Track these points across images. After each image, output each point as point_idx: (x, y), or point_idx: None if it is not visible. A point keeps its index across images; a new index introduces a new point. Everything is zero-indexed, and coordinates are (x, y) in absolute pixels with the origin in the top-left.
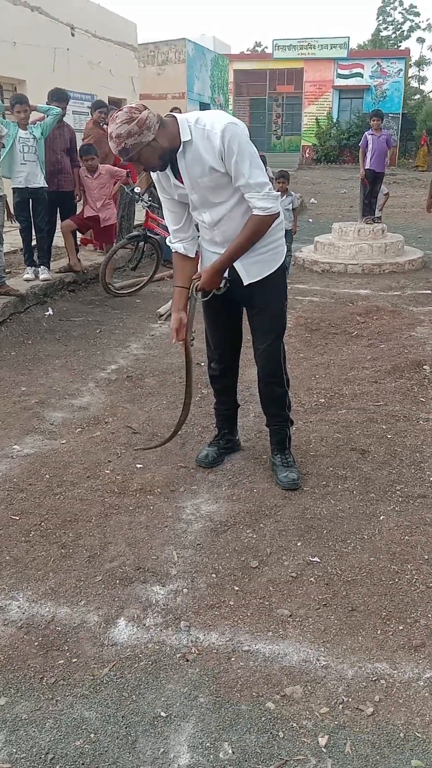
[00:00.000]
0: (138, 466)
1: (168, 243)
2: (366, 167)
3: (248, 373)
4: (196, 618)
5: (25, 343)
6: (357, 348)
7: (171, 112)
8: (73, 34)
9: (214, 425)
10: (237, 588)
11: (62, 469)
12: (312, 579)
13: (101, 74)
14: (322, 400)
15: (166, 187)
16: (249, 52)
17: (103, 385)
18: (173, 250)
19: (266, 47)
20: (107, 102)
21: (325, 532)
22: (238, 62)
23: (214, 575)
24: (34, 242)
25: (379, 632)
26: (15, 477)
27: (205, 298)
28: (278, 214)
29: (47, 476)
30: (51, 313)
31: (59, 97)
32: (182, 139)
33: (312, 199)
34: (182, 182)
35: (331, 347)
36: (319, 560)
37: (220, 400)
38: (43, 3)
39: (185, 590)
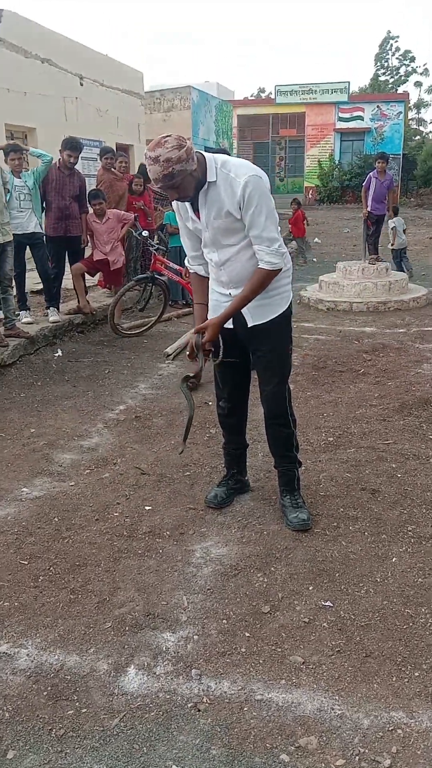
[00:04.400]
0: (147, 508)
1: (186, 263)
2: (368, 209)
3: (257, 412)
4: (208, 666)
5: (35, 385)
6: (364, 386)
7: None
8: (82, 84)
9: (223, 465)
10: (248, 634)
11: (71, 512)
12: (325, 624)
13: (109, 121)
14: (331, 439)
15: (184, 218)
16: (253, 98)
17: (112, 425)
18: (191, 271)
19: (270, 93)
20: (115, 148)
21: (337, 575)
22: (242, 108)
23: (224, 621)
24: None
25: (394, 679)
26: (24, 520)
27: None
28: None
29: (56, 519)
30: (60, 354)
31: (71, 145)
32: (208, 179)
33: (316, 239)
34: (199, 218)
35: (338, 385)
36: (331, 605)
37: (228, 439)
38: (53, 55)
39: (196, 637)
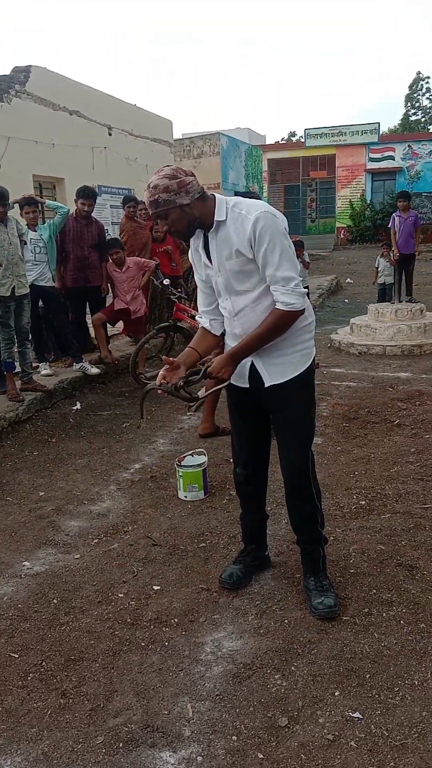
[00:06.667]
0: (155, 587)
1: (197, 319)
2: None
3: (280, 471)
4: None
5: (49, 442)
6: (400, 439)
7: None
8: (110, 134)
9: (241, 537)
10: (261, 755)
11: (72, 592)
12: (352, 743)
13: (138, 169)
14: (363, 502)
15: (198, 267)
16: (283, 142)
17: (125, 487)
18: (199, 325)
19: (301, 137)
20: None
21: (367, 676)
22: (272, 151)
23: (234, 738)
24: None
25: None
26: (20, 602)
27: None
28: (303, 311)
29: (55, 601)
30: (79, 407)
31: (84, 194)
32: (216, 218)
33: (348, 279)
34: (211, 263)
35: (371, 438)
36: (360, 716)
37: (246, 509)
38: (81, 107)
39: (200, 758)
